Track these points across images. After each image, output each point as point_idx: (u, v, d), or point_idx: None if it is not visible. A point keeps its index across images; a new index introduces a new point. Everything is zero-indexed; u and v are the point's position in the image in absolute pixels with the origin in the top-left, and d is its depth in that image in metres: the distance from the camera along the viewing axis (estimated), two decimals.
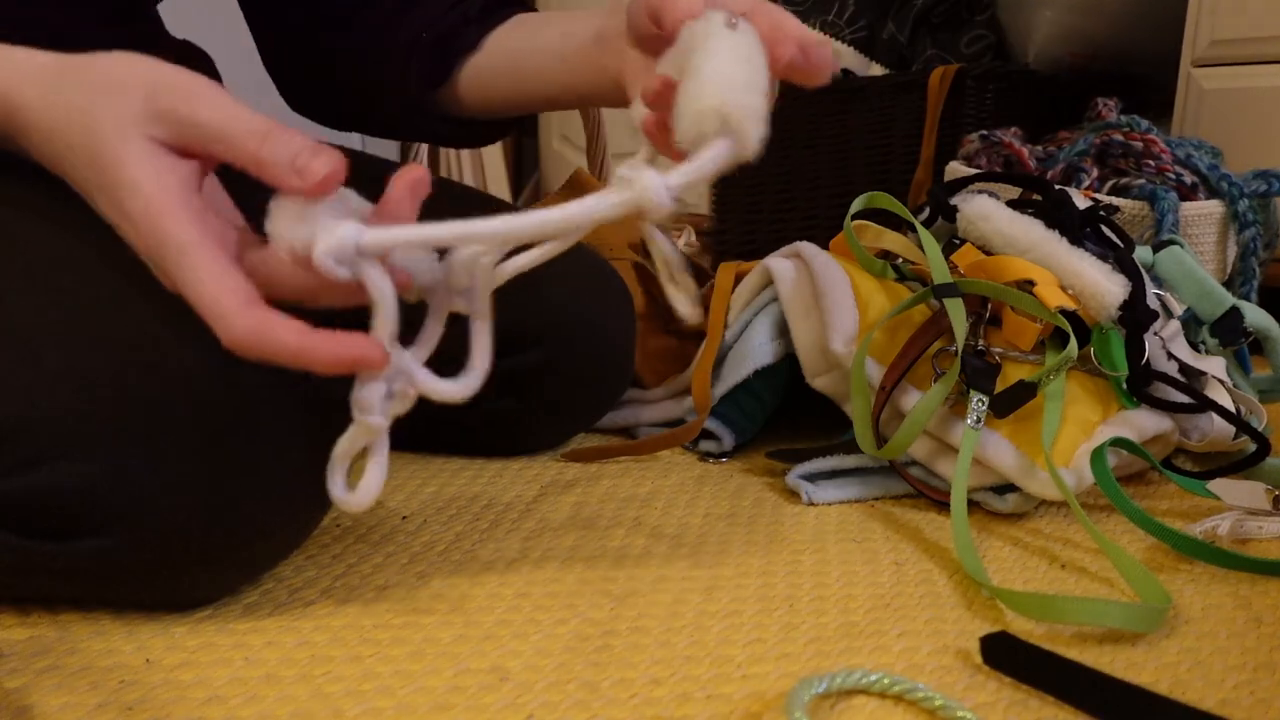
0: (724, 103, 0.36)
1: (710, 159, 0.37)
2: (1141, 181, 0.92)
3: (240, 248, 0.40)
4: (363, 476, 0.41)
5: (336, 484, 0.42)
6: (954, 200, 0.73)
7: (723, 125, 0.37)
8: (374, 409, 0.40)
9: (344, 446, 0.42)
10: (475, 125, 0.70)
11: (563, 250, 0.42)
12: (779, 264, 0.71)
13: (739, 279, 0.77)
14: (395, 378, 0.41)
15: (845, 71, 1.48)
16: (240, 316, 0.37)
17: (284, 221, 0.38)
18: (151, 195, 0.38)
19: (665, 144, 0.46)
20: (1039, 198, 0.75)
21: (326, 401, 0.48)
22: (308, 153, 0.38)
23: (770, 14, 0.46)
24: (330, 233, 0.37)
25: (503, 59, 0.65)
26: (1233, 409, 0.66)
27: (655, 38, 0.49)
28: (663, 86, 0.43)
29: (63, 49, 0.45)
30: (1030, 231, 0.67)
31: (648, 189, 0.36)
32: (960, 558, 0.53)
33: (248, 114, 0.39)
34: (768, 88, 0.39)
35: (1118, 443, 0.60)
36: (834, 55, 0.46)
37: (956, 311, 0.62)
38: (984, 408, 0.60)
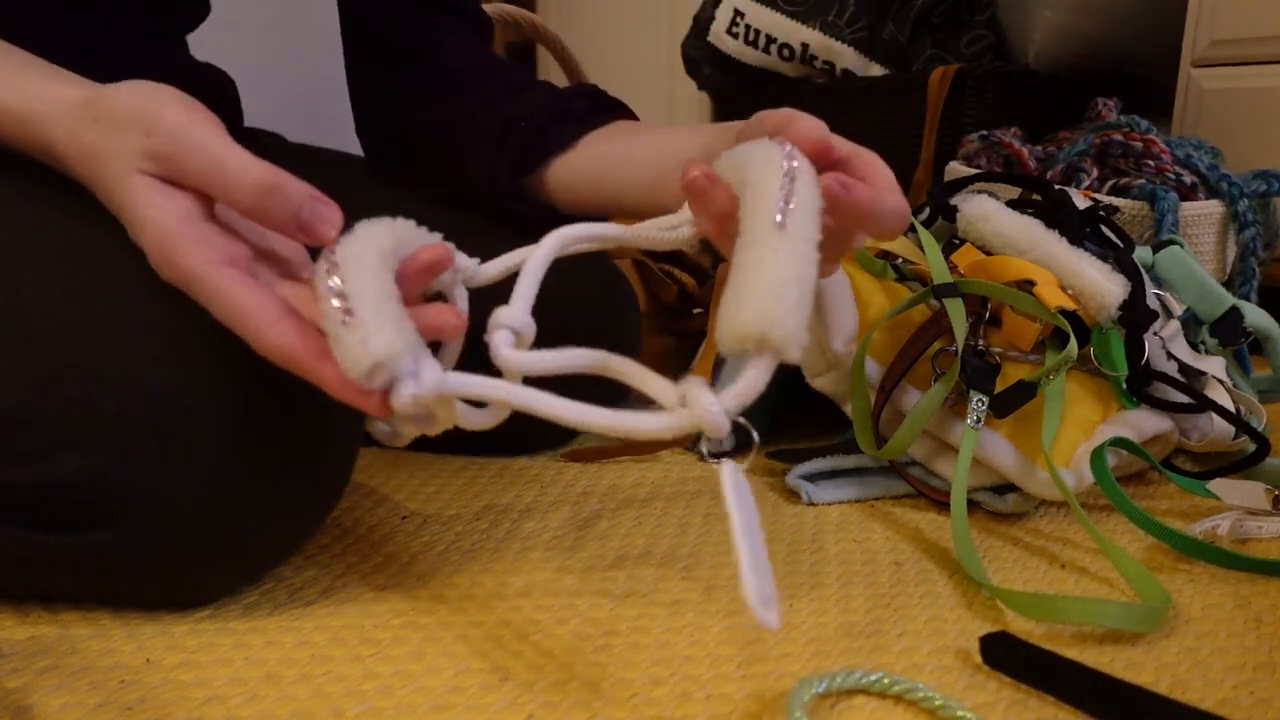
0: (766, 328, 0.36)
1: (757, 378, 0.38)
2: (1141, 181, 0.93)
3: (253, 266, 0.42)
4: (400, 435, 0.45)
5: (376, 429, 0.45)
6: (954, 200, 0.73)
7: (761, 346, 0.37)
8: (412, 437, 0.44)
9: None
10: (557, 219, 0.69)
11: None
12: None
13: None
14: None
15: (845, 72, 1.48)
16: (271, 333, 0.39)
17: (352, 341, 0.37)
18: (156, 229, 0.40)
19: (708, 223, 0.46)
20: (1039, 198, 0.75)
21: (331, 400, 0.48)
22: (308, 208, 0.40)
23: (866, 167, 0.45)
24: (416, 380, 0.37)
25: (596, 163, 0.65)
26: (1232, 409, 0.66)
27: None
28: (701, 176, 0.43)
29: (87, 69, 0.46)
30: (1030, 232, 0.67)
31: (705, 417, 0.38)
32: (960, 558, 0.53)
33: (248, 163, 0.40)
34: (814, 284, 0.38)
35: (1118, 443, 0.60)
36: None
37: (956, 311, 0.62)
38: (984, 408, 0.60)
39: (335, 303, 0.37)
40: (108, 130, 0.42)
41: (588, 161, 0.66)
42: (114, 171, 0.41)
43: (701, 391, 0.38)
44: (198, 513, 0.44)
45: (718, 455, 0.74)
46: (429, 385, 0.38)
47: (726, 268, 0.78)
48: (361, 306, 0.37)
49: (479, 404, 0.44)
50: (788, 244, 0.37)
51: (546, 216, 0.70)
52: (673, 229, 0.49)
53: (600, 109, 0.69)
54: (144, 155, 0.41)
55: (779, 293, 0.36)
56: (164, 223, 0.40)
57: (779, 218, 0.38)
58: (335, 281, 0.38)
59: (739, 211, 0.40)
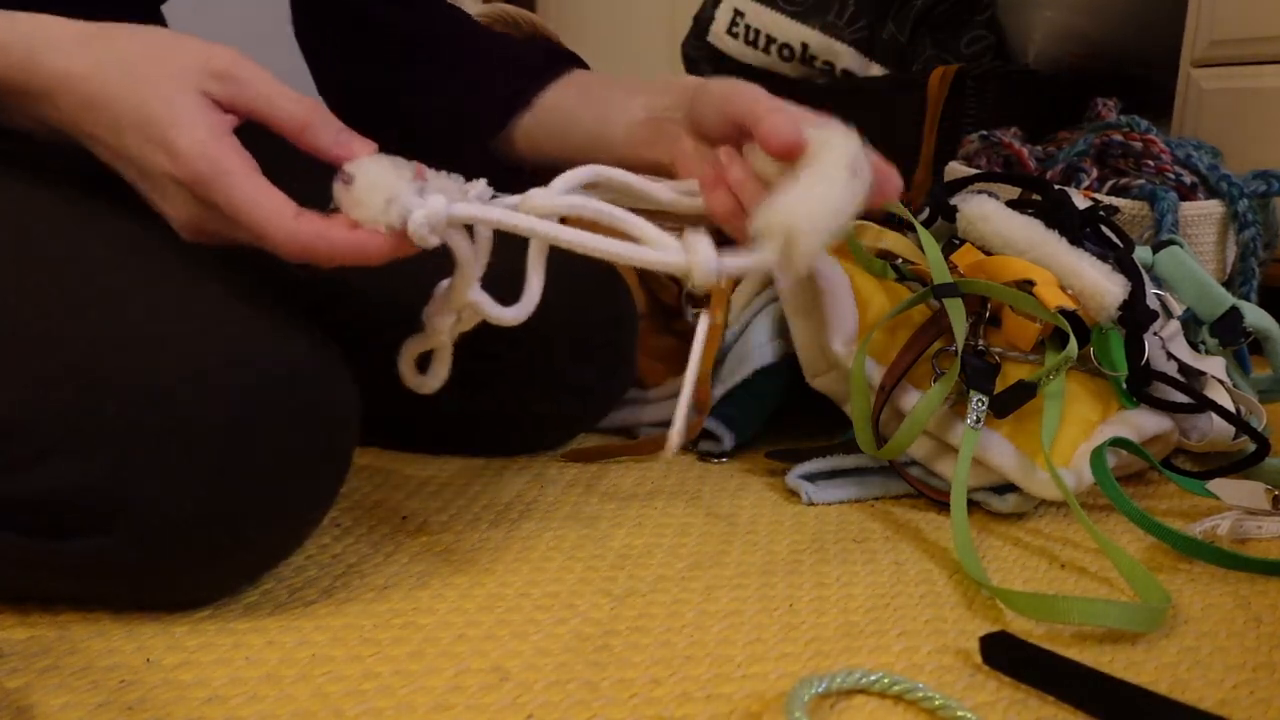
0: (794, 231, 0.42)
1: (757, 261, 0.43)
2: (1141, 182, 0.92)
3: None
4: (431, 366, 0.51)
5: (407, 371, 0.52)
6: (953, 200, 0.73)
7: (784, 246, 0.42)
8: (444, 331, 0.49)
9: (412, 347, 0.51)
10: (525, 174, 0.71)
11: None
12: None
13: (738, 280, 0.77)
14: (464, 307, 0.48)
15: (845, 72, 1.48)
16: (299, 223, 0.43)
17: (363, 190, 0.43)
18: (202, 132, 0.43)
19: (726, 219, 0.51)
20: (1039, 198, 0.75)
21: (328, 400, 0.48)
22: (346, 134, 0.46)
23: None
24: (424, 205, 0.42)
25: (553, 123, 0.67)
26: (1232, 409, 0.66)
27: (726, 135, 0.53)
28: (715, 178, 0.50)
29: None
30: (1029, 232, 0.67)
31: (699, 263, 0.42)
32: (960, 558, 0.53)
33: (291, 90, 0.46)
34: (849, 217, 0.44)
35: (1118, 443, 0.60)
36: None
37: (956, 312, 0.62)
38: (984, 407, 0.60)
39: (342, 181, 0.43)
40: (158, 48, 0.45)
41: (545, 122, 0.67)
42: (156, 80, 0.44)
43: (702, 240, 0.42)
44: (196, 516, 0.44)
45: (718, 456, 0.74)
46: (437, 208, 0.42)
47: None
48: (360, 170, 0.43)
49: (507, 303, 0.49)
50: (853, 188, 0.44)
51: (517, 178, 0.72)
52: (689, 194, 0.53)
53: (555, 59, 0.70)
54: (206, 75, 0.45)
55: (829, 210, 0.43)
56: (211, 127, 0.44)
57: (852, 168, 0.44)
58: (345, 169, 0.44)
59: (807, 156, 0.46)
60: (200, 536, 0.44)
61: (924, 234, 0.67)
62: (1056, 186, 0.75)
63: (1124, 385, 0.64)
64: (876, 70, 1.47)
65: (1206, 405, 0.64)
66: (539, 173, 0.69)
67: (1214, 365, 0.70)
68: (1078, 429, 0.62)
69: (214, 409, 0.43)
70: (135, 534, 0.43)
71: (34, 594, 0.49)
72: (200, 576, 0.48)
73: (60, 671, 0.43)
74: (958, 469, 0.58)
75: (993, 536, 0.60)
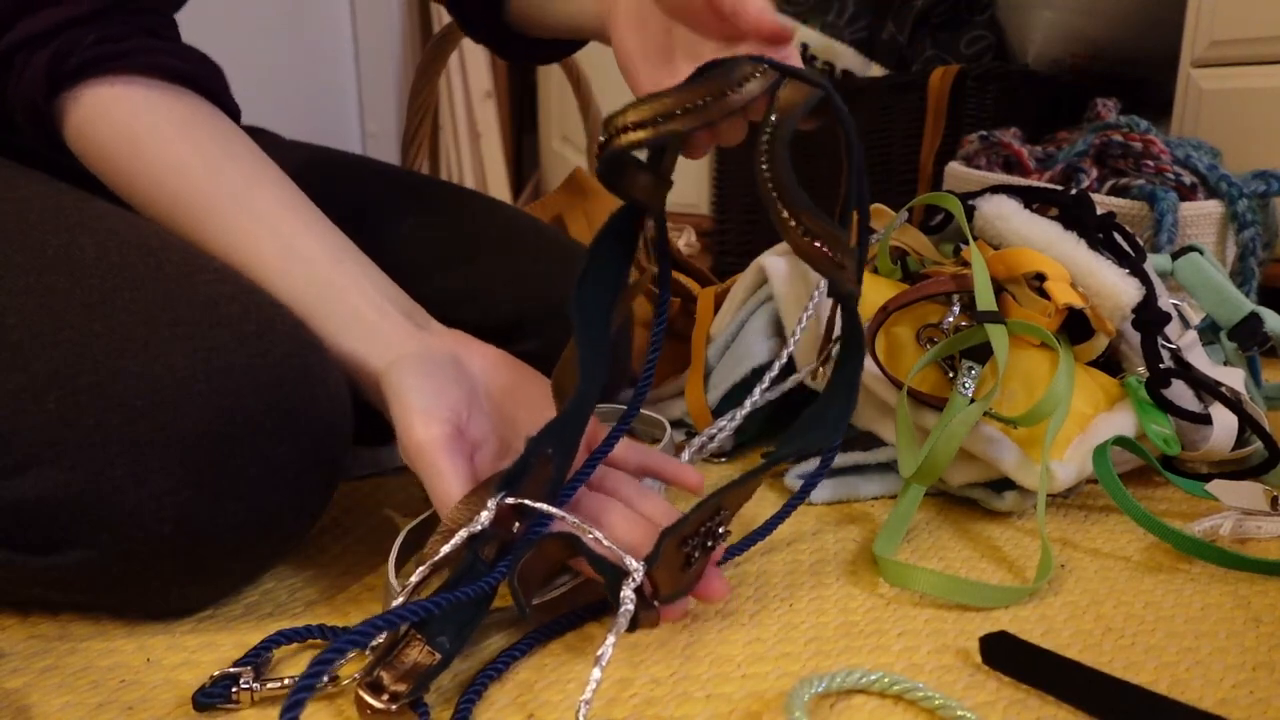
0: None
1: None
2: (1141, 182, 0.93)
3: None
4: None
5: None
6: (972, 200, 0.72)
7: None
8: None
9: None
10: (529, 43, 0.73)
11: None
12: (773, 261, 0.71)
13: (719, 301, 0.77)
14: None
15: (845, 72, 1.48)
16: None
17: None
18: None
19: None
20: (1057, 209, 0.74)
21: (315, 407, 0.47)
22: None
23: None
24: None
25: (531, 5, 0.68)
26: (1249, 420, 0.65)
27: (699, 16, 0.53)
28: None
29: None
30: (1047, 232, 0.67)
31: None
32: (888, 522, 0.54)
33: None
34: None
35: (1118, 441, 0.60)
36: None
37: (999, 338, 0.60)
38: (975, 374, 0.60)
39: None
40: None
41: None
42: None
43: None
44: (179, 528, 0.43)
45: (718, 456, 0.74)
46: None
47: (708, 292, 0.78)
48: None
49: None
50: None
51: (520, 47, 0.74)
52: None
53: None
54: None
55: None
56: None
57: None
58: None
59: None
60: (185, 548, 0.43)
61: (976, 258, 0.64)
62: (1058, 188, 0.75)
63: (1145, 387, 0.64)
64: (877, 71, 1.47)
65: (1237, 413, 0.63)
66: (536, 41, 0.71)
67: (1233, 377, 0.69)
68: (1072, 422, 0.61)
69: (194, 418, 0.42)
70: (119, 547, 0.42)
71: (32, 603, 0.48)
72: (189, 587, 0.47)
73: (60, 671, 0.43)
74: (934, 431, 0.58)
75: (991, 535, 0.60)
